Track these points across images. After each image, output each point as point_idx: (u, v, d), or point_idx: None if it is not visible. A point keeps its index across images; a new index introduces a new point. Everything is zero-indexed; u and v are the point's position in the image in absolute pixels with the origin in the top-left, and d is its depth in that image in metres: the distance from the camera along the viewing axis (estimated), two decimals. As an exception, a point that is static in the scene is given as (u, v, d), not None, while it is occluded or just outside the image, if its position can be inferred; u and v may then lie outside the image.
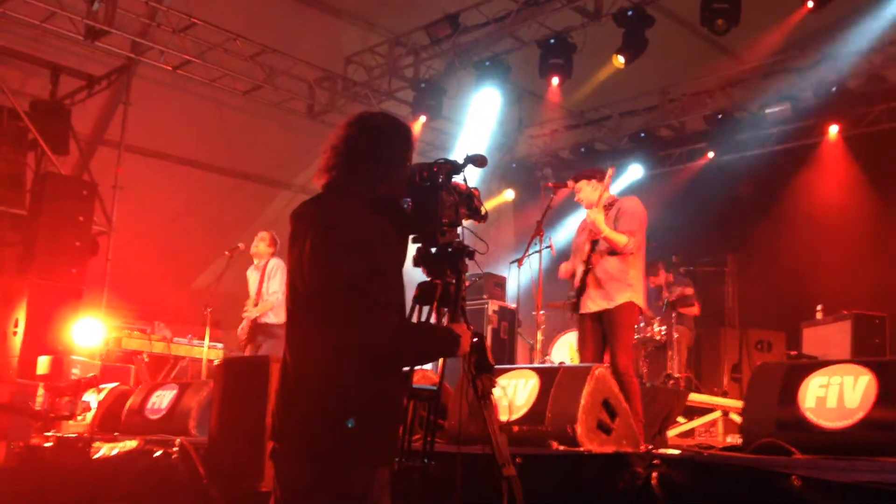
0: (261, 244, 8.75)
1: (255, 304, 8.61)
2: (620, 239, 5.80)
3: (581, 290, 5.95)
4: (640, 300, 5.91)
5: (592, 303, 5.91)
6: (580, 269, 5.99)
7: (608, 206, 6.00)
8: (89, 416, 7.30)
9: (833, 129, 10.88)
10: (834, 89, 10.34)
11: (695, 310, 9.51)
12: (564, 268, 6.27)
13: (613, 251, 5.87)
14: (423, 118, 11.80)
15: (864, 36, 9.76)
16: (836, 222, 10.29)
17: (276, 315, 8.44)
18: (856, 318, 7.70)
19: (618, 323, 5.83)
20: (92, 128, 11.48)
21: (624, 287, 5.85)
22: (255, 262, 8.82)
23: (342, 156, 2.80)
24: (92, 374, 7.39)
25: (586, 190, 6.08)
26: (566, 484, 3.88)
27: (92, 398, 7.38)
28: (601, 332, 5.94)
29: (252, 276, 8.81)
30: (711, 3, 8.75)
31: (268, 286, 8.56)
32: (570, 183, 6.25)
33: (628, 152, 12.52)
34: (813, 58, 10.35)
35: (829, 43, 10.02)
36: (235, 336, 8.91)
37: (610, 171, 5.99)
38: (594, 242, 5.94)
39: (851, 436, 3.98)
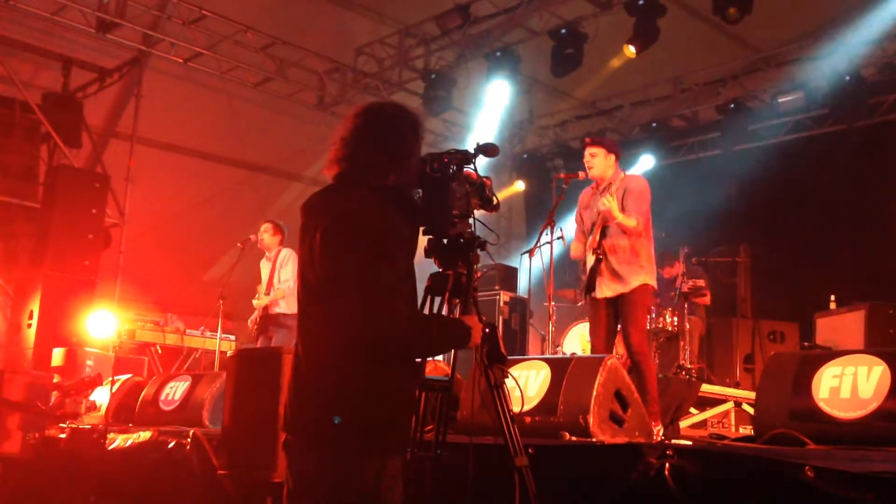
0: (265, 235, 8.77)
1: (267, 294, 8.63)
2: (631, 222, 5.80)
3: (594, 276, 5.95)
4: (653, 280, 5.94)
5: (608, 288, 5.90)
6: (591, 258, 5.98)
7: (612, 182, 5.99)
8: (99, 406, 7.34)
9: (846, 118, 10.77)
10: (847, 78, 10.25)
11: (706, 299, 9.46)
12: (576, 248, 6.25)
13: (623, 235, 5.87)
14: (432, 110, 11.79)
15: (877, 24, 9.67)
16: (849, 212, 10.22)
17: (287, 305, 8.46)
18: (870, 309, 7.64)
19: (633, 304, 5.83)
20: (104, 120, 11.52)
21: (637, 269, 5.86)
22: (267, 253, 8.85)
23: (351, 147, 2.79)
24: (97, 373, 7.41)
25: (600, 158, 6.05)
26: (578, 474, 3.88)
27: (105, 391, 7.41)
28: (614, 317, 5.95)
29: (264, 267, 8.84)
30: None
31: (279, 275, 8.58)
32: (587, 140, 6.23)
33: (640, 142, 12.47)
34: (826, 46, 10.27)
35: (842, 31, 9.93)
36: (247, 327, 8.94)
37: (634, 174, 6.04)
38: (604, 229, 5.93)
39: (865, 426, 3.96)
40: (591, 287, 5.96)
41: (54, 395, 7.10)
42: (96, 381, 7.22)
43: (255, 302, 8.69)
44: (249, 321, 8.77)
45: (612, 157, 6.09)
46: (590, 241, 6.03)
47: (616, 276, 5.87)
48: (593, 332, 6.12)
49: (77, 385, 7.19)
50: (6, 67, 9.97)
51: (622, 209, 5.84)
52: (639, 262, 5.88)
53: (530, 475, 3.02)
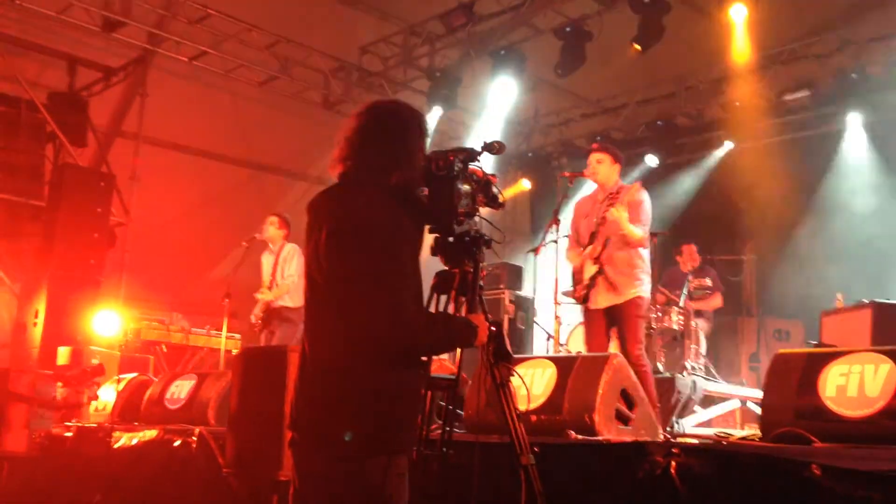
0: (270, 228, 8.76)
1: (270, 288, 8.63)
2: (637, 233, 5.82)
3: (591, 286, 5.98)
4: (647, 293, 6.01)
5: (602, 298, 5.96)
6: (591, 268, 5.99)
7: (615, 193, 6.00)
8: (104, 404, 7.35)
9: (852, 116, 10.75)
10: (854, 76, 10.22)
11: (715, 301, 9.43)
12: (572, 256, 6.26)
13: (623, 247, 5.88)
14: (437, 109, 11.78)
15: (883, 21, 9.64)
16: (855, 210, 10.19)
17: (291, 299, 8.46)
18: (876, 307, 7.60)
19: (628, 315, 5.90)
20: (109, 119, 11.53)
21: (633, 281, 5.93)
22: (270, 246, 8.85)
23: (355, 146, 2.80)
24: (99, 364, 7.41)
25: (605, 165, 6.10)
26: (584, 473, 3.88)
27: (110, 389, 7.43)
28: (608, 326, 6.03)
29: (266, 260, 8.83)
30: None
31: (283, 270, 8.58)
32: (594, 146, 6.26)
33: (645, 141, 12.44)
34: (832, 44, 10.24)
35: (849, 28, 9.90)
36: (252, 326, 8.94)
37: (636, 185, 6.02)
38: (605, 240, 5.94)
39: (872, 425, 3.95)
40: (586, 297, 6.00)
41: (57, 386, 7.11)
42: (98, 371, 7.22)
43: (258, 296, 8.69)
44: (252, 316, 8.77)
45: (617, 166, 6.14)
46: (589, 250, 6.05)
47: (612, 286, 5.93)
48: (588, 341, 6.17)
49: (79, 375, 7.20)
50: (11, 66, 9.98)
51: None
52: (635, 273, 5.94)
53: (536, 474, 3.02)
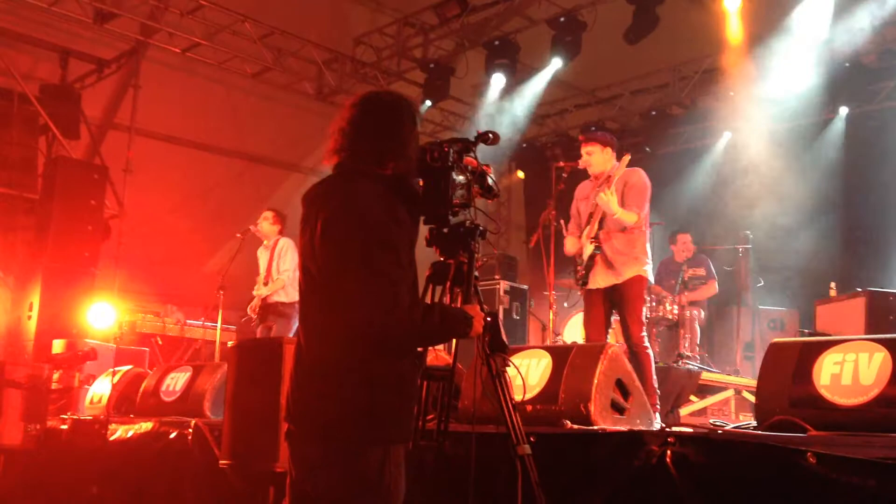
0: (264, 223, 8.76)
1: (265, 284, 8.64)
2: (631, 217, 5.81)
3: (589, 266, 5.97)
4: (647, 272, 5.95)
5: (601, 279, 5.94)
6: (588, 247, 5.98)
7: (609, 176, 5.97)
8: (100, 397, 7.33)
9: (845, 106, 10.74)
10: (847, 65, 10.21)
11: (710, 289, 9.44)
12: (571, 244, 6.25)
13: (621, 227, 5.87)
14: (431, 99, 11.77)
15: (876, 10, 9.63)
16: (848, 199, 10.20)
17: (286, 294, 8.47)
18: (870, 296, 7.62)
19: (628, 296, 5.86)
20: (102, 111, 11.50)
21: (632, 261, 5.89)
22: (265, 242, 8.85)
23: (349, 137, 2.80)
24: (90, 348, 7.38)
25: (596, 154, 6.05)
26: (580, 462, 3.89)
27: (106, 382, 7.42)
28: (608, 308, 6.00)
29: (262, 255, 8.84)
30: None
31: (278, 265, 8.58)
32: (580, 138, 6.22)
33: (639, 131, 12.44)
34: (825, 33, 10.21)
35: (841, 17, 9.88)
36: (246, 314, 8.95)
37: (625, 158, 5.98)
38: (601, 220, 5.94)
39: (866, 412, 3.96)
40: (585, 278, 5.98)
41: (52, 375, 7.09)
42: (89, 355, 7.19)
43: (255, 292, 8.71)
44: (249, 308, 8.78)
45: (609, 149, 6.08)
46: (587, 231, 6.04)
47: (610, 266, 5.90)
48: (587, 323, 6.14)
49: (70, 358, 7.18)
50: (4, 59, 9.95)
51: (622, 203, 5.84)
52: (633, 253, 5.90)
53: (532, 463, 3.03)
